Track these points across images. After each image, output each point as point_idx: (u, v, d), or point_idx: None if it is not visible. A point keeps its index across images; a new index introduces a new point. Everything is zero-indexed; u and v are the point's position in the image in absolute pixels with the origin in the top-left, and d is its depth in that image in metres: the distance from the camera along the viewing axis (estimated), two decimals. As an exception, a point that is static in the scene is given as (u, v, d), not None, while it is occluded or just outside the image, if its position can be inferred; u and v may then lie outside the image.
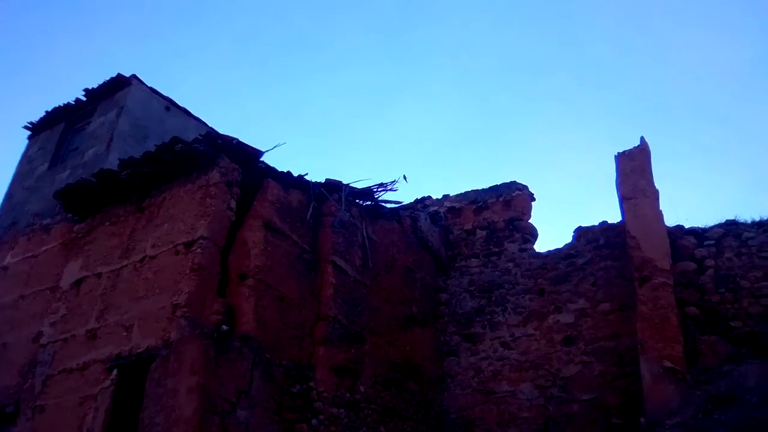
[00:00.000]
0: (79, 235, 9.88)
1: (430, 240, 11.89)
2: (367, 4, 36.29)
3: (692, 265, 9.88)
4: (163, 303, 8.00)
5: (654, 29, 31.73)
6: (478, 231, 12.15)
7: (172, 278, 8.15)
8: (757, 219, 9.99)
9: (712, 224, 10.22)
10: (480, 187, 12.62)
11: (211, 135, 9.31)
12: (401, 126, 35.63)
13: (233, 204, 8.78)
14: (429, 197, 12.99)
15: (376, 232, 10.88)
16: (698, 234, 10.16)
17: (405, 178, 10.91)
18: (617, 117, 31.57)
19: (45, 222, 10.82)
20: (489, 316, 11.28)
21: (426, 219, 12.00)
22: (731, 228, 10.02)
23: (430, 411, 10.68)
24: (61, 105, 12.53)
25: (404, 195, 12.39)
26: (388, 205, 11.42)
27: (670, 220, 10.13)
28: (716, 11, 29.42)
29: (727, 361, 8.73)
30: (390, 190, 10.99)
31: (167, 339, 7.62)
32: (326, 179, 10.25)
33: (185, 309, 7.74)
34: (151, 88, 12.15)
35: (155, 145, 9.33)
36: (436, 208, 12.66)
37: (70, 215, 10.25)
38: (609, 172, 10.62)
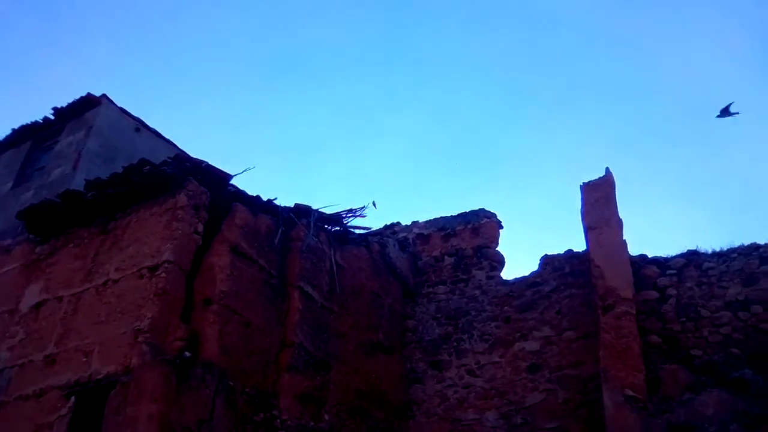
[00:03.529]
0: (41, 257, 9.70)
1: (398, 266, 11.87)
2: (344, 29, 36.56)
3: (654, 294, 9.98)
4: (125, 328, 7.87)
5: (623, 61, 32.47)
6: (446, 258, 12.14)
7: (135, 303, 8.04)
8: (717, 249, 10.13)
9: (674, 254, 10.33)
10: (449, 214, 12.65)
11: (180, 157, 9.27)
12: (372, 153, 36.01)
13: (200, 228, 8.73)
14: (398, 223, 13.00)
15: (344, 258, 10.84)
16: (661, 263, 10.27)
17: (374, 204, 10.99)
18: (585, 147, 32.11)
19: (6, 242, 10.56)
20: (455, 344, 11.21)
21: (394, 245, 12.00)
22: (692, 258, 10.13)
23: (396, 439, 10.53)
24: (29, 123, 12.33)
25: (373, 221, 12.60)
26: (357, 231, 11.41)
27: (633, 250, 10.23)
28: (686, 44, 30.29)
29: (687, 389, 8.78)
30: (359, 216, 11.03)
31: (128, 365, 7.49)
32: (295, 204, 10.23)
33: (148, 334, 7.63)
34: (121, 109, 12.04)
35: (123, 167, 9.24)
36: (404, 234, 12.64)
37: (32, 236, 10.04)
38: (576, 200, 10.65)
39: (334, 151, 36.97)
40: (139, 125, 12.23)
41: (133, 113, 12.16)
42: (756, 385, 8.50)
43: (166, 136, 12.55)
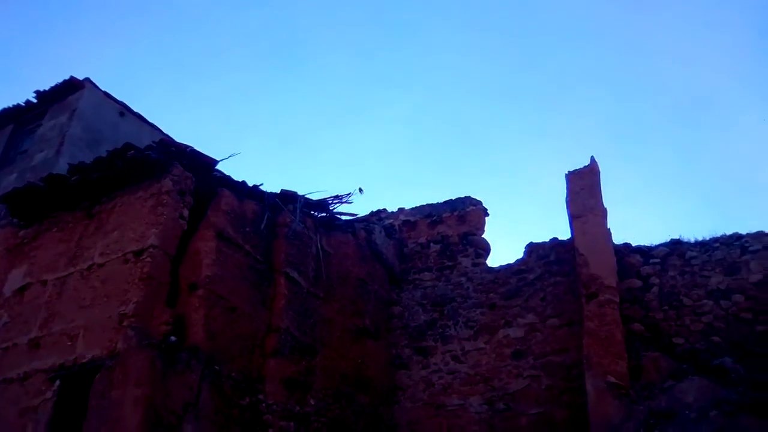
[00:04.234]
0: (25, 241, 9.62)
1: (385, 253, 11.90)
2: (334, 20, 36.34)
3: (638, 283, 10.10)
4: (110, 312, 7.86)
5: (610, 51, 32.64)
6: (432, 245, 12.19)
7: (120, 287, 8.03)
8: (700, 239, 10.25)
9: (658, 243, 10.43)
10: (435, 201, 12.68)
11: (165, 142, 9.24)
12: (359, 140, 35.88)
13: (185, 213, 8.73)
14: (384, 210, 13.02)
15: (331, 244, 10.86)
16: (644, 252, 10.38)
17: (360, 190, 10.96)
18: (571, 135, 32.23)
19: (-11, 226, 10.46)
20: (441, 330, 11.29)
21: (381, 232, 12.01)
22: (676, 247, 10.26)
23: (381, 425, 10.65)
24: (11, 106, 12.20)
25: (359, 207, 12.93)
26: (343, 217, 11.43)
27: (617, 238, 10.31)
28: (676, 37, 30.47)
29: (669, 377, 8.87)
30: (345, 202, 11.01)
31: (113, 350, 7.49)
32: (281, 190, 10.21)
33: (133, 319, 7.64)
34: (105, 93, 11.94)
35: (107, 151, 9.19)
36: (391, 221, 12.66)
37: (16, 220, 9.96)
38: (561, 189, 10.72)
39: (322, 137, 37.06)
40: (123, 109, 12.15)
41: (117, 97, 12.06)
42: (736, 373, 8.62)
43: (151, 121, 12.47)
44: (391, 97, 37.24)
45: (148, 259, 8.03)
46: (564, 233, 11.05)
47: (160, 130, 12.28)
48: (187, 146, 9.03)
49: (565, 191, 10.57)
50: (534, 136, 33.80)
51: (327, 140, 35.87)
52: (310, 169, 33.51)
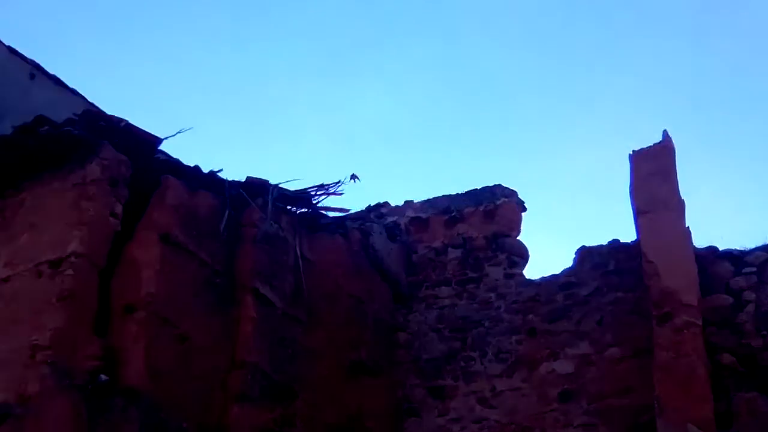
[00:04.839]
0: None
1: (386, 261, 11.96)
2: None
3: (727, 299, 10.09)
4: (18, 343, 7.85)
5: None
6: (450, 250, 12.22)
7: (31, 309, 8.04)
8: (812, 241, 10.28)
9: (753, 246, 10.44)
10: (453, 192, 12.66)
11: (91, 114, 9.27)
12: (351, 111, 35.06)
13: (119, 209, 8.76)
14: (386, 204, 13.03)
15: (315, 250, 10.91)
16: (736, 258, 10.40)
17: (354, 177, 10.95)
18: (634, 104, 31.95)
19: None
20: (463, 364, 11.32)
21: (381, 233, 12.05)
22: (777, 252, 10.31)
23: (383, 492, 10.76)
24: None
25: (353, 200, 13.16)
26: (331, 214, 11.45)
27: (699, 241, 10.34)
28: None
29: (770, 424, 8.95)
30: (334, 193, 11.02)
31: (23, 393, 7.48)
32: (248, 178, 10.23)
33: (49, 352, 7.63)
34: (9, 48, 11.92)
35: (12, 126, 9.16)
36: (394, 218, 12.69)
37: None
38: (623, 175, 10.70)
39: (301, 106, 36.45)
40: (35, 70, 12.13)
41: (26, 55, 12.05)
42: None
43: (72, 87, 12.47)
44: (395, 50, 36.52)
45: (69, 271, 8.03)
46: (627, 233, 11.06)
47: (84, 98, 12.26)
48: (120, 120, 9.04)
49: (628, 177, 10.58)
50: (586, 103, 33.25)
51: (309, 111, 35.31)
52: (287, 150, 33.14)
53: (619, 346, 10.50)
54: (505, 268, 11.80)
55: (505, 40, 34.80)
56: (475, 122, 34.26)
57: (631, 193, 10.52)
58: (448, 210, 12.54)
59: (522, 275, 11.76)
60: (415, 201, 12.95)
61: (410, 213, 12.77)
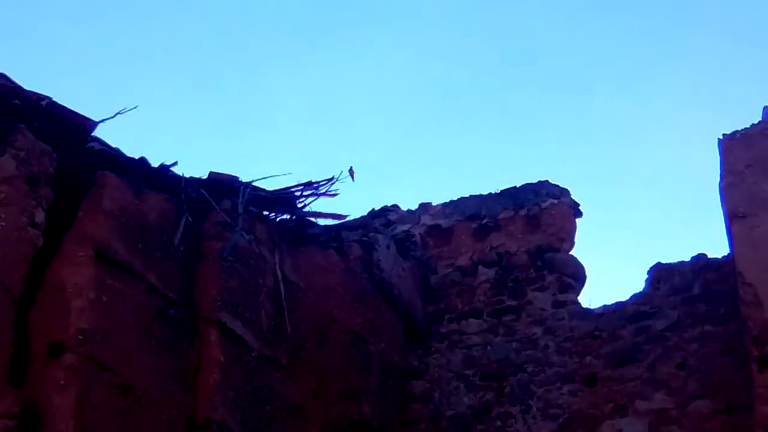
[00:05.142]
0: None
1: (396, 284, 11.57)
2: None
3: None
4: None
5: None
6: (480, 269, 11.91)
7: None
8: None
9: None
10: (485, 192, 12.51)
11: (2, 90, 8.61)
12: (345, 83, 34.25)
13: (40, 217, 8.21)
14: (395, 208, 12.78)
15: (300, 270, 10.59)
16: None
17: (351, 172, 10.84)
18: (721, 80, 30.52)
19: None
20: (499, 423, 10.96)
21: (389, 247, 11.68)
22: None
23: None
24: None
25: (351, 203, 13.51)
26: (322, 222, 11.31)
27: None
28: None
29: None
30: (325, 194, 10.79)
31: None
32: (211, 173, 9.86)
33: (-53, 406, 7.33)
34: None
35: None
36: (406, 227, 12.54)
37: None
38: (710, 167, 10.33)
39: (281, 82, 34.92)
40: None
41: None
42: None
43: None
44: (397, 8, 35.34)
45: (-27, 302, 7.73)
46: (717, 246, 10.83)
47: None
48: (43, 97, 8.56)
49: (718, 170, 10.15)
50: (658, 74, 32.24)
51: (290, 84, 34.55)
52: (263, 137, 32.38)
53: (708, 397, 10.11)
54: (554, 294, 11.47)
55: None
56: (513, 98, 33.34)
57: (721, 191, 10.09)
58: (477, 215, 12.32)
59: (577, 303, 11.43)
60: (433, 204, 12.82)
61: (427, 220, 12.60)
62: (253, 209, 10.16)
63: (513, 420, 10.95)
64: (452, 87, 33.30)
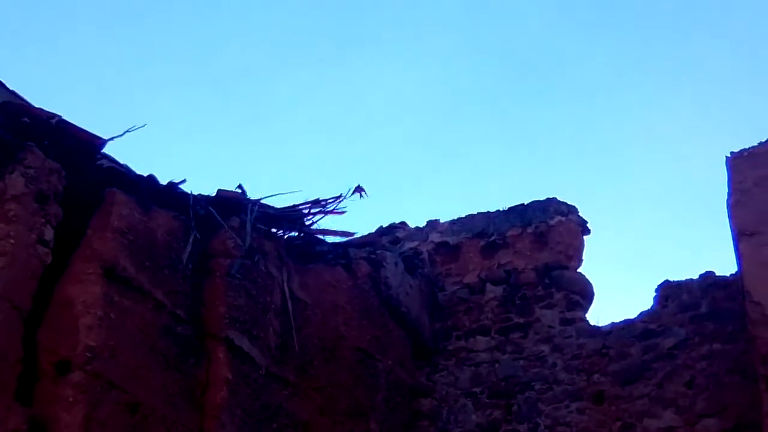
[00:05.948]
0: None
1: (404, 302, 11.62)
2: None
3: None
4: None
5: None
6: (488, 287, 11.97)
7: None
8: None
9: None
10: (492, 209, 12.56)
11: (12, 108, 8.78)
12: (354, 100, 34.42)
13: (49, 234, 8.25)
14: (402, 225, 12.89)
15: (308, 288, 10.65)
16: None
17: (360, 191, 10.89)
18: (733, 92, 30.73)
19: None
20: None
21: (397, 264, 11.75)
22: None
23: None
24: None
25: (358, 221, 12.97)
26: (330, 239, 11.38)
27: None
28: None
29: None
30: (333, 212, 10.91)
31: None
32: (219, 191, 9.92)
33: (-46, 425, 7.36)
34: None
35: None
36: (414, 244, 12.60)
37: None
38: (718, 185, 10.37)
39: (290, 99, 35.08)
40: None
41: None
42: None
43: (-9, 73, 11.90)
44: (409, 17, 35.22)
45: (-20, 317, 7.76)
46: (725, 265, 11.00)
47: (5, 87, 11.61)
48: (52, 115, 8.64)
49: (725, 188, 10.19)
50: (666, 89, 32.16)
51: (299, 102, 34.60)
52: (272, 155, 32.49)
53: (716, 416, 10.14)
54: (561, 311, 11.51)
55: (566, 14, 33.73)
56: (520, 113, 33.40)
57: (729, 209, 10.14)
58: (485, 233, 12.37)
59: (585, 321, 11.46)
60: (441, 221, 12.88)
61: (435, 237, 12.66)
62: (261, 227, 10.22)
63: (522, 438, 11.20)
64: (460, 103, 33.65)
